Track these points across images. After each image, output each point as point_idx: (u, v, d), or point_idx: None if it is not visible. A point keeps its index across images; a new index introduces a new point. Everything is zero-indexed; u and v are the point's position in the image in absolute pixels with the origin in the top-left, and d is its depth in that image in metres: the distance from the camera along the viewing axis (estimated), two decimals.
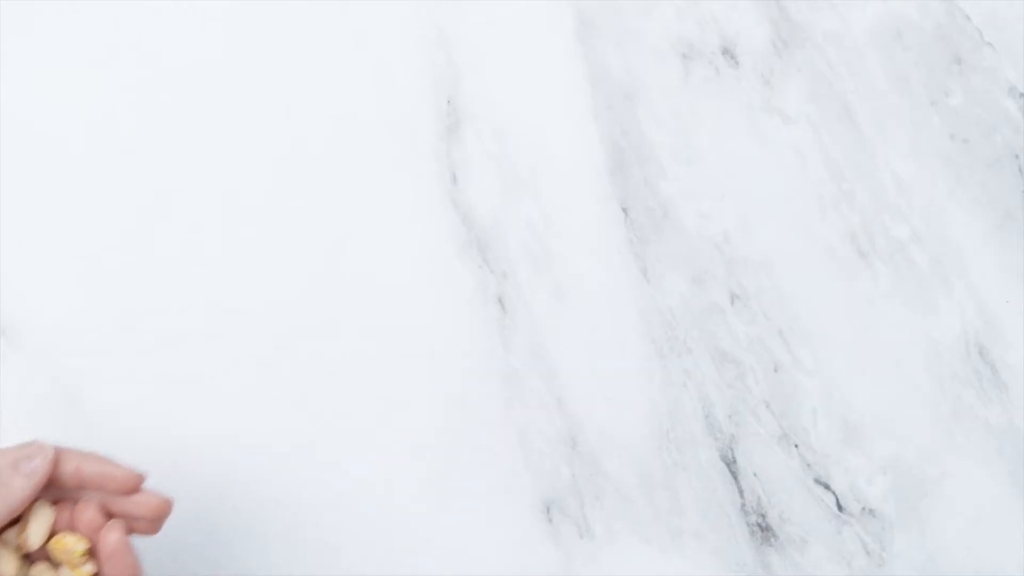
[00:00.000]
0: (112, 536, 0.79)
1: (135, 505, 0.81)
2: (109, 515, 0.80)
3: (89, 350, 0.95)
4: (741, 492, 0.95)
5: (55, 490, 0.83)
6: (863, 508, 0.95)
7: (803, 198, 0.97)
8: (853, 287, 0.97)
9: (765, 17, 0.98)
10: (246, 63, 0.97)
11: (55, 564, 0.81)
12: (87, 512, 0.80)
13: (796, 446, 0.96)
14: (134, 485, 0.82)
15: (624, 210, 0.97)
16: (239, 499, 0.93)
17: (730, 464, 0.95)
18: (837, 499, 0.95)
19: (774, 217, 0.97)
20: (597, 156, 0.97)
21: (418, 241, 0.96)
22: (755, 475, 0.95)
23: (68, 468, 0.81)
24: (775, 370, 0.96)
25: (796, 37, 0.98)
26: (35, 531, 0.80)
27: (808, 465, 0.96)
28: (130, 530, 0.80)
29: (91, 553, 0.80)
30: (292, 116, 0.96)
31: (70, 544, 0.80)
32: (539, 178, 0.97)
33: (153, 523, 0.81)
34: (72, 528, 0.80)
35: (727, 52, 0.98)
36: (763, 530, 0.95)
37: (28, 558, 0.81)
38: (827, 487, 0.96)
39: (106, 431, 0.95)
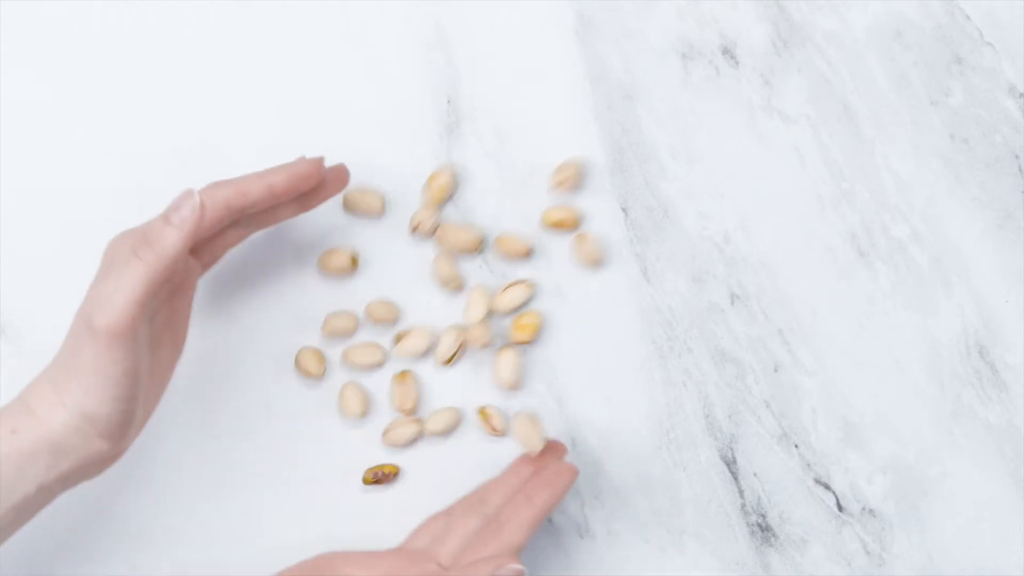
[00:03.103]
0: None
1: None
2: None
3: None
4: (741, 492, 0.95)
5: (259, 217, 0.86)
6: (863, 508, 0.95)
7: (803, 198, 0.97)
8: (853, 287, 0.97)
9: (765, 17, 0.98)
10: (246, 63, 0.97)
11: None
12: None
13: (796, 446, 0.96)
14: (318, 171, 0.85)
15: (624, 210, 0.97)
16: (238, 498, 0.93)
17: (730, 464, 0.95)
18: (837, 499, 0.95)
19: (774, 217, 0.97)
20: (597, 156, 0.97)
21: (418, 241, 0.96)
22: (755, 475, 0.95)
23: (255, 192, 0.82)
24: (775, 370, 0.96)
25: (796, 37, 0.98)
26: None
27: (808, 465, 0.96)
28: None
29: None
30: (292, 116, 0.96)
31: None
32: (539, 178, 0.97)
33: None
34: None
35: (727, 52, 0.98)
36: (763, 530, 0.95)
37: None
38: (827, 487, 0.95)
39: None
